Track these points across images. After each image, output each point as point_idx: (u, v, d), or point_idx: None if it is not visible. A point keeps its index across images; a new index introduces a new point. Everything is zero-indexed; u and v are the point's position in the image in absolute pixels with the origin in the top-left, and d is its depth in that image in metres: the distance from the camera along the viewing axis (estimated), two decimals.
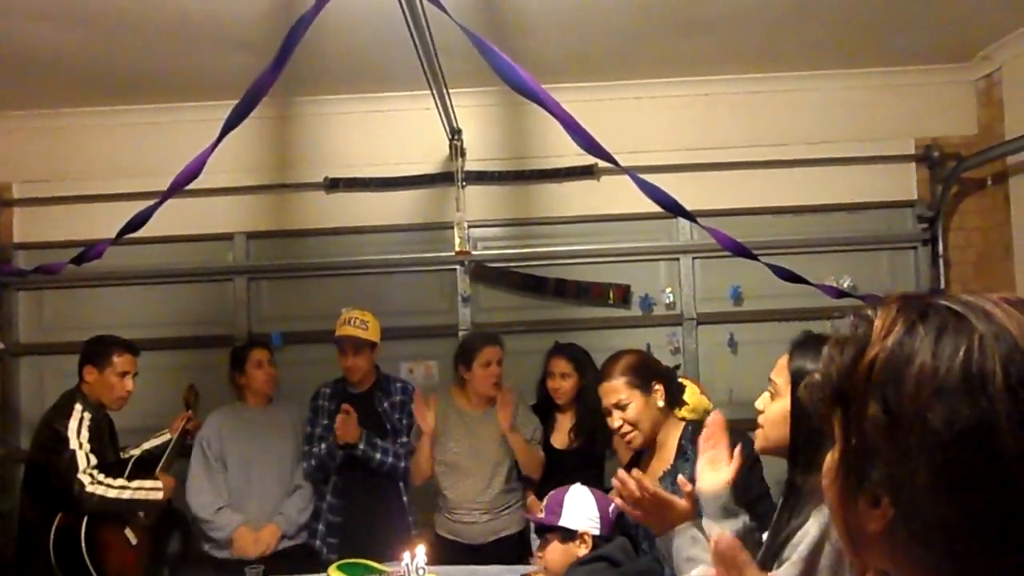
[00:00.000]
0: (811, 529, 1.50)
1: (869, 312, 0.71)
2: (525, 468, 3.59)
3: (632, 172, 2.68)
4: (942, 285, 4.30)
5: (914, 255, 4.46)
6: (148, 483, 3.32)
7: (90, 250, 2.84)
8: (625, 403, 2.34)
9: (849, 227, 4.47)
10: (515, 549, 3.57)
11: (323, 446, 3.58)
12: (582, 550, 2.21)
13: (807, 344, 1.66)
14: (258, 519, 3.60)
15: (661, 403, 2.37)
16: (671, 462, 2.32)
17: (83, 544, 3.08)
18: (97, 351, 3.41)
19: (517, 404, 3.57)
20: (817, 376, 0.73)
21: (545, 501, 2.31)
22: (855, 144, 4.41)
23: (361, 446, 3.53)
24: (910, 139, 4.44)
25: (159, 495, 3.34)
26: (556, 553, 2.25)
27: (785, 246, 4.26)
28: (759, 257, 3.09)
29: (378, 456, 3.57)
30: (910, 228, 4.46)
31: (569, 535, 2.23)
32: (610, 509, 2.26)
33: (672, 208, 2.68)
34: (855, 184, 4.44)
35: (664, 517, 1.76)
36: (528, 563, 3.33)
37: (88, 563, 3.08)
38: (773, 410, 1.69)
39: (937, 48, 4.11)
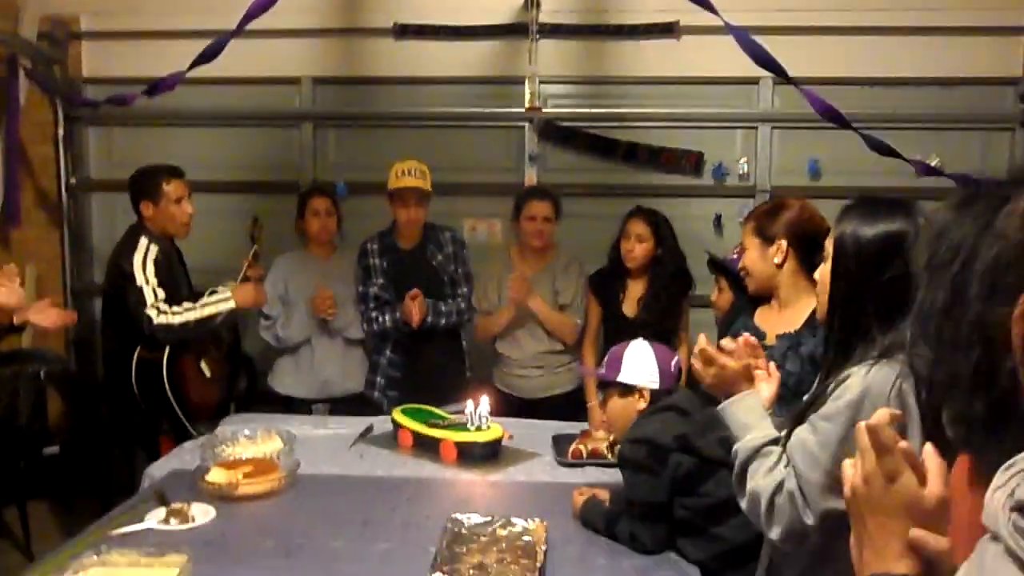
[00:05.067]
0: (852, 385, 1.49)
1: None
2: (555, 334, 3.61)
3: (726, 21, 2.51)
4: None
5: (1011, 137, 4.20)
6: (215, 296, 3.28)
7: (163, 82, 2.81)
8: (746, 247, 2.44)
9: (943, 103, 4.21)
10: (569, 406, 3.63)
11: (387, 318, 3.57)
12: (640, 404, 2.21)
13: (855, 209, 1.61)
14: (314, 366, 3.70)
15: (777, 260, 2.34)
16: (796, 328, 2.31)
17: (164, 375, 3.18)
18: (145, 184, 3.30)
19: (528, 283, 3.53)
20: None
21: (606, 356, 2.31)
22: (959, 13, 4.08)
23: (429, 319, 3.54)
24: (1022, 9, 4.10)
25: (229, 304, 3.27)
26: (616, 407, 2.26)
27: (871, 119, 4.00)
28: (853, 125, 2.93)
29: (443, 321, 3.59)
30: (1010, 107, 4.19)
31: (628, 390, 2.23)
32: (673, 363, 2.27)
33: (766, 62, 2.52)
34: (954, 56, 4.15)
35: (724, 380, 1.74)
36: (584, 420, 3.39)
37: (169, 393, 3.18)
38: (823, 275, 1.65)
39: None
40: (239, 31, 2.60)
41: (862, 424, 0.87)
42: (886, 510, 0.83)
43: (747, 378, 1.72)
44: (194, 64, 2.64)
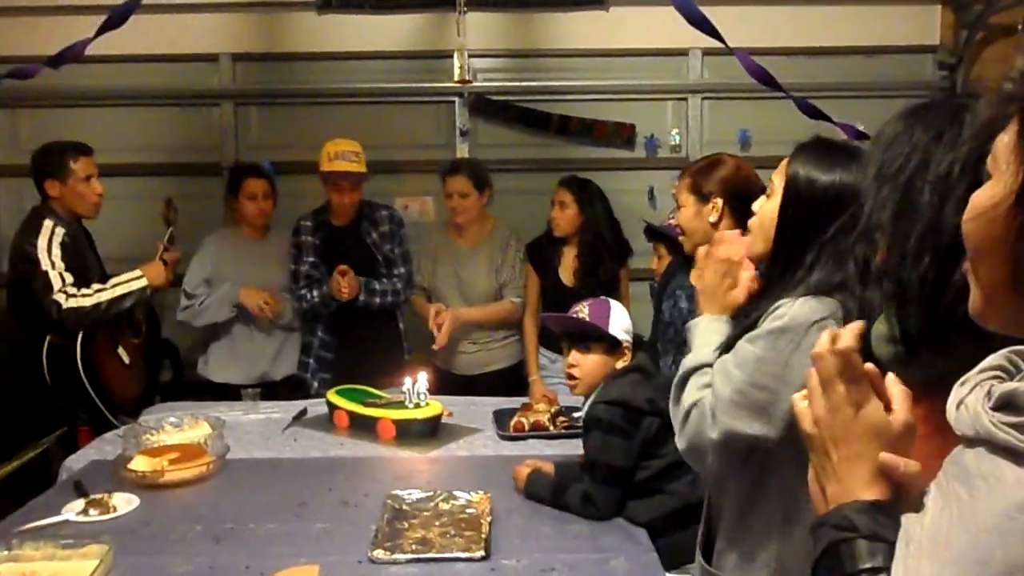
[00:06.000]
0: (780, 314, 1.46)
1: None
2: (501, 322, 3.59)
3: None
4: None
5: None
6: (125, 276, 3.13)
7: (68, 50, 2.63)
8: (681, 205, 2.37)
9: (865, 72, 4.27)
10: (507, 383, 3.58)
11: (315, 293, 3.46)
12: (620, 363, 2.14)
13: (810, 149, 1.55)
14: (247, 349, 3.56)
15: (713, 218, 2.28)
16: None
17: (79, 362, 3.00)
18: (51, 162, 3.11)
19: (455, 319, 3.46)
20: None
21: (586, 309, 2.18)
22: None
23: (362, 298, 3.44)
24: None
25: (141, 283, 3.13)
26: (597, 363, 2.15)
27: (796, 89, 4.04)
28: (784, 90, 2.93)
29: (377, 300, 3.49)
30: (929, 75, 4.28)
31: (614, 347, 2.15)
32: None
33: (700, 23, 2.49)
34: (875, 25, 4.22)
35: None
36: (523, 396, 3.33)
37: (85, 381, 3.01)
38: (765, 210, 1.59)
39: None
40: None
41: (826, 352, 0.82)
42: (855, 439, 0.79)
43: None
44: (102, 30, 2.48)
